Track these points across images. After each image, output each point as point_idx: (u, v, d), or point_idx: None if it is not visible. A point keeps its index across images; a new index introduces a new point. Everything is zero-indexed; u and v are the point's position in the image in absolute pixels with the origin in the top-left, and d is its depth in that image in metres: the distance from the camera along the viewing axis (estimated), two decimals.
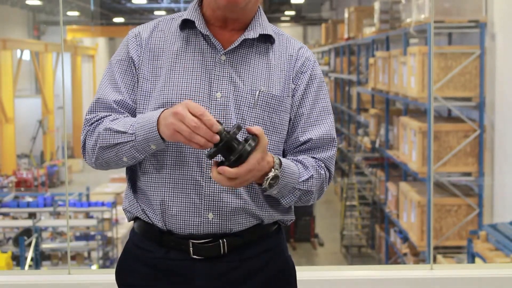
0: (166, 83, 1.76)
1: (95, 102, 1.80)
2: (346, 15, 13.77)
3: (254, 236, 1.79)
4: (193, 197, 1.74)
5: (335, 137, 1.85)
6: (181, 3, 20.69)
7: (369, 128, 11.90)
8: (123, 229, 11.69)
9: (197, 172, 1.74)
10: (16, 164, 18.73)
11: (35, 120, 20.96)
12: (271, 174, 1.68)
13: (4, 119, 18.15)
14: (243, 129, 1.71)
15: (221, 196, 1.74)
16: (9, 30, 21.40)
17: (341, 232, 13.14)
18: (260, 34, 1.80)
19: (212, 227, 1.76)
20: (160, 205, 1.76)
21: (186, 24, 1.81)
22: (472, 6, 7.66)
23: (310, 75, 1.83)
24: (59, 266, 10.26)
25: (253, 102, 1.76)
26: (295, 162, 1.78)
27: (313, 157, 1.81)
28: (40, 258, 9.96)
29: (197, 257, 1.76)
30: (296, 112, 1.82)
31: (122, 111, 1.78)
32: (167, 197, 1.76)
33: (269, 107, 1.78)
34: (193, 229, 1.75)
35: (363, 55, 14.18)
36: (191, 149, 1.73)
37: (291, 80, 1.82)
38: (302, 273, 1.94)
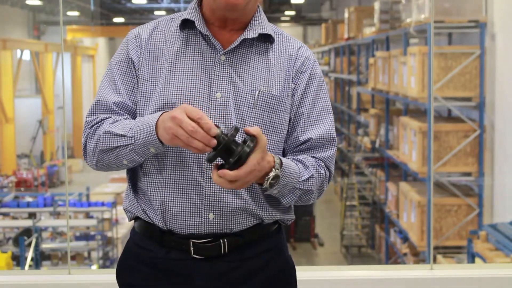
0: (166, 84, 1.76)
1: (95, 104, 1.80)
2: (346, 15, 13.77)
3: (254, 236, 1.80)
4: (194, 197, 1.75)
5: (335, 136, 1.85)
6: (181, 3, 20.69)
7: (369, 128, 11.90)
8: (123, 229, 11.69)
9: (198, 173, 1.74)
10: (16, 164, 18.73)
11: (35, 120, 20.96)
12: (271, 174, 1.68)
13: (4, 119, 18.16)
14: (241, 130, 1.71)
15: (222, 196, 1.74)
16: (9, 30, 21.40)
17: (341, 232, 13.14)
18: (259, 34, 1.79)
19: (213, 227, 1.76)
20: (160, 205, 1.77)
21: (186, 24, 1.81)
22: (472, 6, 7.66)
23: (310, 75, 1.83)
24: (59, 266, 10.26)
25: (252, 102, 1.76)
26: (295, 162, 1.78)
27: (313, 157, 1.81)
28: (40, 258, 9.96)
29: (197, 257, 1.76)
30: (296, 112, 1.82)
31: (122, 112, 1.78)
32: (168, 198, 1.76)
33: (269, 107, 1.78)
34: (194, 229, 1.76)
35: (363, 55, 14.17)
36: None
37: (290, 80, 1.82)
38: (302, 273, 1.94)
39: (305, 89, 1.82)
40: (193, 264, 1.76)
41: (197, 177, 1.74)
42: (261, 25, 1.81)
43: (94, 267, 10.26)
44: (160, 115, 1.67)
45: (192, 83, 1.76)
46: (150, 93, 1.78)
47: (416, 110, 10.37)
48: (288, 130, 1.82)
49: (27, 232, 10.22)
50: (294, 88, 1.82)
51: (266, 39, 1.82)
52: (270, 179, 1.68)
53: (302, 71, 1.83)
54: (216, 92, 1.75)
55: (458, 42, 9.15)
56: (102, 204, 11.02)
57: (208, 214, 1.75)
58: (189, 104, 1.73)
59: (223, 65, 1.77)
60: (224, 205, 1.75)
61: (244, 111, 1.75)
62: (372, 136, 11.55)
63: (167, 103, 1.74)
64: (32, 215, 11.01)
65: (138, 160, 1.73)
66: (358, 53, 13.86)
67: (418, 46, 9.45)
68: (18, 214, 11.26)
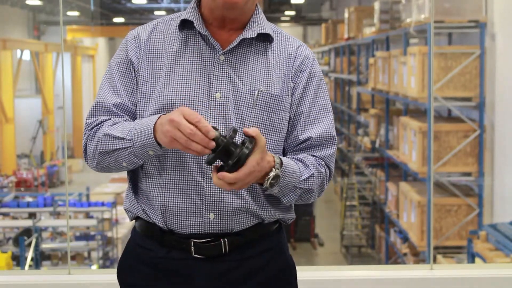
0: (166, 85, 1.76)
1: (95, 106, 1.80)
2: (346, 15, 13.77)
3: (255, 235, 1.80)
4: (194, 198, 1.75)
5: (335, 135, 1.85)
6: (181, 3, 20.68)
7: (369, 128, 11.90)
8: (123, 229, 11.69)
9: (198, 173, 1.74)
10: (16, 164, 18.73)
11: (35, 120, 20.96)
12: (272, 174, 1.68)
13: (4, 119, 18.16)
14: (239, 131, 1.71)
15: (222, 196, 1.75)
16: (9, 30, 21.40)
17: (341, 232, 13.14)
18: (258, 33, 1.79)
19: (213, 227, 1.76)
20: (161, 206, 1.77)
21: (185, 25, 1.81)
22: (472, 6, 7.65)
23: (309, 73, 1.83)
24: (59, 266, 10.25)
25: (252, 102, 1.76)
26: (295, 161, 1.78)
27: (313, 155, 1.82)
28: (40, 258, 9.96)
29: (198, 256, 1.76)
30: (295, 111, 1.82)
31: (121, 114, 1.79)
32: (168, 198, 1.76)
33: (268, 107, 1.78)
34: (194, 229, 1.76)
35: (363, 55, 14.17)
36: None
37: (290, 79, 1.82)
38: (302, 273, 1.94)
39: (305, 88, 1.82)
40: (194, 263, 1.77)
41: (198, 178, 1.74)
42: (260, 24, 1.81)
43: (94, 267, 10.26)
44: (158, 118, 1.67)
45: (192, 83, 1.76)
46: (150, 94, 1.78)
47: (416, 110, 10.37)
48: (288, 129, 1.82)
49: (27, 232, 10.22)
50: (293, 87, 1.82)
51: (265, 38, 1.82)
52: (270, 179, 1.68)
53: (301, 70, 1.83)
54: (216, 92, 1.75)
55: (458, 42, 9.15)
56: (102, 204, 11.02)
57: (209, 214, 1.75)
58: (189, 104, 1.74)
59: (222, 65, 1.77)
60: (224, 205, 1.75)
61: (243, 111, 1.76)
62: (372, 136, 11.54)
63: (167, 104, 1.74)
64: (32, 215, 11.01)
65: (138, 162, 1.74)
66: (358, 53, 13.85)
67: (418, 46, 9.44)
68: (18, 214, 11.26)
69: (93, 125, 1.78)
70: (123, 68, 1.81)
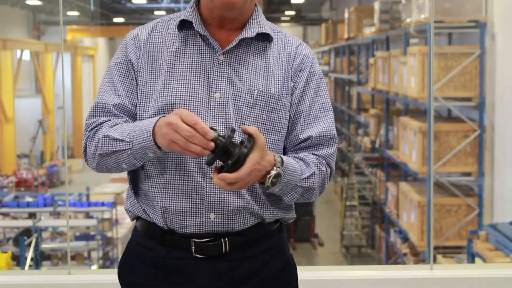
0: (165, 85, 1.76)
1: (95, 107, 1.81)
2: (346, 15, 13.77)
3: (255, 235, 1.80)
4: (195, 198, 1.75)
5: (335, 134, 1.85)
6: (181, 3, 20.68)
7: (369, 128, 11.90)
8: (123, 229, 11.69)
9: (198, 174, 1.74)
10: (16, 164, 18.73)
11: (35, 120, 20.96)
12: (273, 173, 1.68)
13: (4, 119, 18.16)
14: (238, 130, 1.71)
15: (223, 196, 1.75)
16: (9, 30, 21.40)
17: (341, 232, 13.14)
18: (257, 33, 1.79)
19: (214, 227, 1.76)
20: (161, 206, 1.77)
21: (184, 25, 1.81)
22: (472, 6, 7.65)
23: (309, 73, 1.83)
24: (59, 266, 10.25)
25: (252, 102, 1.76)
26: (296, 160, 1.78)
27: (314, 154, 1.82)
28: (40, 258, 9.96)
29: (199, 256, 1.77)
30: (295, 110, 1.82)
31: (121, 115, 1.79)
32: (169, 199, 1.76)
33: (268, 107, 1.78)
34: (195, 229, 1.76)
35: (363, 55, 14.17)
36: None
37: (289, 78, 1.82)
38: (302, 273, 1.94)
39: (304, 87, 1.82)
40: (194, 263, 1.77)
41: (198, 178, 1.74)
42: (259, 24, 1.81)
43: (94, 267, 10.26)
44: (157, 121, 1.67)
45: (191, 83, 1.76)
46: (150, 94, 1.78)
47: (416, 110, 10.37)
48: (288, 129, 1.82)
49: (27, 232, 10.22)
50: (293, 86, 1.82)
51: (265, 38, 1.82)
52: (271, 177, 1.68)
53: (301, 69, 1.83)
54: (215, 92, 1.75)
55: (458, 42, 9.14)
56: (102, 204, 11.02)
57: (209, 214, 1.75)
58: (189, 105, 1.74)
59: (222, 65, 1.77)
60: (225, 205, 1.75)
61: (243, 111, 1.76)
62: (372, 136, 11.54)
63: (167, 104, 1.74)
64: (32, 215, 11.01)
65: (137, 164, 1.74)
66: (358, 53, 13.85)
67: (418, 46, 9.44)
68: (18, 214, 11.26)
69: (92, 126, 1.79)
70: (122, 68, 1.81)
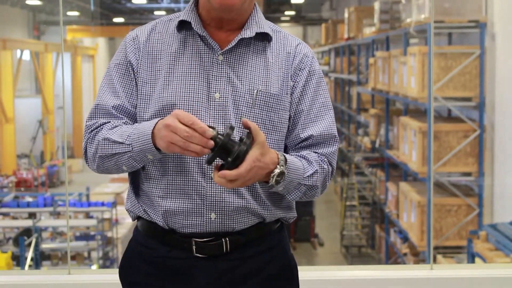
0: (165, 86, 1.77)
1: (95, 108, 1.81)
2: (346, 15, 13.77)
3: (256, 234, 1.80)
4: (195, 198, 1.75)
5: (336, 133, 1.85)
6: (181, 3, 20.68)
7: (369, 128, 11.90)
8: (123, 229, 11.69)
9: (199, 174, 1.75)
10: (16, 164, 18.73)
11: (35, 120, 20.96)
12: (276, 171, 1.68)
13: (4, 119, 18.15)
14: (237, 128, 1.71)
15: (223, 196, 1.75)
16: (9, 30, 21.39)
17: (341, 232, 13.14)
18: (256, 33, 1.79)
19: (215, 227, 1.77)
20: (162, 206, 1.77)
21: (183, 25, 1.81)
22: (472, 6, 7.65)
23: (309, 72, 1.83)
24: (59, 266, 10.25)
25: (251, 102, 1.76)
26: (299, 158, 1.78)
27: (315, 152, 1.82)
28: (40, 258, 9.96)
29: (200, 256, 1.77)
30: (295, 109, 1.82)
31: (121, 116, 1.79)
32: (170, 200, 1.77)
33: (268, 106, 1.78)
34: (196, 229, 1.77)
35: (363, 55, 14.17)
36: None
37: (289, 78, 1.82)
38: (302, 273, 1.94)
39: (304, 86, 1.82)
40: (195, 262, 1.77)
41: (198, 178, 1.75)
42: (258, 24, 1.81)
43: (94, 267, 10.26)
44: (156, 123, 1.67)
45: (191, 84, 1.76)
46: (150, 95, 1.78)
47: (416, 110, 10.37)
48: (288, 128, 1.82)
49: (27, 232, 10.22)
50: (293, 86, 1.82)
51: (264, 37, 1.82)
52: (275, 176, 1.68)
53: (300, 69, 1.83)
54: (215, 92, 1.75)
55: (458, 42, 9.14)
56: (102, 204, 11.02)
57: (210, 214, 1.76)
58: (188, 105, 1.74)
59: (221, 65, 1.77)
60: (225, 205, 1.75)
61: (243, 111, 1.76)
62: (372, 136, 11.54)
63: (166, 105, 1.75)
64: (32, 215, 11.01)
65: (137, 166, 1.75)
66: (358, 53, 13.85)
67: (418, 46, 9.44)
68: (18, 214, 11.26)
69: (92, 128, 1.79)
70: (122, 70, 1.82)
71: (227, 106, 1.75)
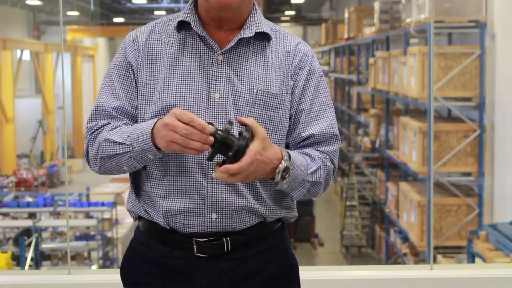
0: (165, 86, 1.77)
1: (95, 110, 1.82)
2: (346, 15, 13.77)
3: (257, 234, 1.80)
4: (196, 198, 1.75)
5: (337, 133, 1.85)
6: (181, 3, 20.68)
7: (369, 128, 11.90)
8: (123, 229, 11.69)
9: (199, 174, 1.75)
10: (16, 164, 18.73)
11: (35, 120, 20.96)
12: (281, 166, 1.68)
13: (4, 119, 18.15)
14: (235, 123, 1.72)
15: (224, 196, 1.75)
16: (9, 30, 21.39)
17: (341, 232, 13.14)
18: (256, 32, 1.79)
19: (216, 226, 1.77)
20: (163, 207, 1.78)
21: (183, 26, 1.81)
22: (472, 6, 7.65)
23: (309, 70, 1.83)
24: (59, 266, 10.25)
25: (251, 102, 1.76)
26: (301, 155, 1.78)
27: (317, 150, 1.82)
28: (40, 258, 9.96)
29: (200, 255, 1.77)
30: (296, 108, 1.82)
31: (121, 117, 1.80)
32: (170, 200, 1.77)
33: (268, 106, 1.78)
34: (197, 229, 1.77)
35: (363, 55, 14.17)
36: None
37: (289, 77, 1.82)
38: (302, 273, 1.94)
39: (305, 85, 1.82)
40: (196, 262, 1.77)
41: (199, 178, 1.75)
42: (258, 23, 1.81)
43: (94, 267, 10.26)
44: (155, 123, 1.68)
45: (191, 84, 1.76)
46: (150, 96, 1.79)
47: (416, 110, 10.37)
48: (290, 127, 1.83)
49: (27, 232, 10.22)
50: (293, 85, 1.82)
51: (263, 37, 1.82)
52: (281, 171, 1.68)
53: (300, 68, 1.83)
54: (215, 92, 1.76)
55: (458, 42, 9.14)
56: (102, 204, 11.02)
57: (211, 214, 1.76)
58: (188, 105, 1.75)
59: (221, 65, 1.77)
60: (226, 205, 1.75)
61: (243, 111, 1.76)
62: (372, 136, 11.54)
63: (167, 105, 1.75)
64: (32, 215, 11.01)
65: (138, 166, 1.76)
66: (358, 53, 13.86)
67: (418, 46, 9.44)
68: (18, 214, 11.26)
69: (93, 130, 1.80)
70: (122, 71, 1.82)
71: (227, 106, 1.75)
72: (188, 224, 1.76)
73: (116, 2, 22.04)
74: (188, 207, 1.75)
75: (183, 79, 1.76)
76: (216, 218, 1.76)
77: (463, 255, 7.43)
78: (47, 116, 21.05)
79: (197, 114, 1.72)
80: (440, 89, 7.67)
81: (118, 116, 1.80)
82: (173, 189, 1.76)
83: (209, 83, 1.76)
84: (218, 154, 1.63)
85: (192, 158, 1.75)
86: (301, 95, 1.82)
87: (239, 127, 1.71)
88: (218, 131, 1.61)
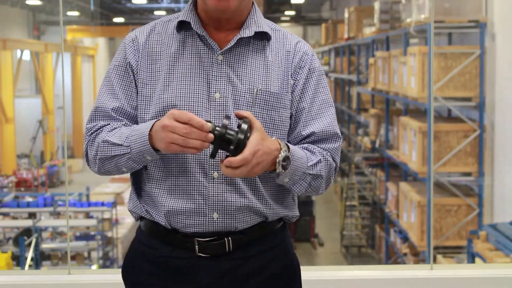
0: (165, 87, 1.77)
1: (94, 111, 1.82)
2: (346, 15, 13.77)
3: (259, 234, 1.80)
4: (197, 198, 1.75)
5: (338, 130, 1.85)
6: (181, 3, 20.68)
7: (369, 128, 11.90)
8: (123, 229, 11.69)
9: (200, 174, 1.75)
10: (16, 164, 18.73)
11: (35, 120, 20.96)
12: (281, 156, 1.67)
13: (4, 119, 18.15)
14: (232, 117, 1.72)
15: (225, 196, 1.75)
16: (9, 30, 21.39)
17: (341, 232, 13.14)
18: (255, 32, 1.80)
19: (217, 226, 1.77)
20: (164, 207, 1.78)
21: (182, 26, 1.81)
22: (472, 6, 7.65)
23: (309, 69, 1.83)
24: (59, 266, 10.25)
25: (251, 101, 1.77)
26: (301, 149, 1.78)
27: (318, 147, 1.82)
28: (40, 258, 9.96)
29: (202, 255, 1.77)
30: (296, 107, 1.82)
31: (120, 118, 1.80)
32: (172, 200, 1.77)
33: (268, 105, 1.78)
34: (198, 228, 1.77)
35: (363, 55, 14.17)
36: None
37: (289, 76, 1.82)
38: (302, 273, 1.94)
39: (305, 84, 1.83)
40: (198, 262, 1.77)
41: (200, 178, 1.75)
42: (257, 23, 1.81)
43: (94, 267, 10.26)
44: (153, 125, 1.68)
45: (191, 84, 1.76)
46: (150, 96, 1.79)
47: (416, 110, 10.37)
48: (290, 126, 1.83)
49: (27, 232, 10.22)
50: (293, 84, 1.82)
51: (263, 36, 1.82)
52: (281, 161, 1.67)
53: (300, 67, 1.83)
54: (215, 92, 1.76)
55: (458, 42, 9.14)
56: (102, 204, 11.02)
57: (212, 214, 1.76)
58: (189, 106, 1.75)
59: (221, 65, 1.77)
60: (227, 205, 1.76)
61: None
62: (372, 136, 11.54)
63: (167, 106, 1.75)
64: (32, 215, 11.01)
65: (136, 167, 1.76)
66: (358, 53, 13.86)
67: (418, 46, 9.44)
68: (18, 214, 11.26)
69: (92, 131, 1.80)
70: (121, 71, 1.82)
71: (228, 105, 1.75)
72: (189, 224, 1.76)
73: (116, 2, 22.04)
74: (190, 207, 1.76)
75: (183, 79, 1.76)
76: (217, 218, 1.76)
77: (463, 255, 7.43)
78: (47, 116, 21.05)
79: (197, 114, 1.72)
80: (440, 89, 7.67)
81: (117, 117, 1.80)
82: (175, 189, 1.76)
83: (209, 83, 1.76)
84: (220, 150, 1.63)
85: (193, 158, 1.75)
86: (301, 93, 1.82)
87: (236, 121, 1.71)
88: (217, 128, 1.61)
